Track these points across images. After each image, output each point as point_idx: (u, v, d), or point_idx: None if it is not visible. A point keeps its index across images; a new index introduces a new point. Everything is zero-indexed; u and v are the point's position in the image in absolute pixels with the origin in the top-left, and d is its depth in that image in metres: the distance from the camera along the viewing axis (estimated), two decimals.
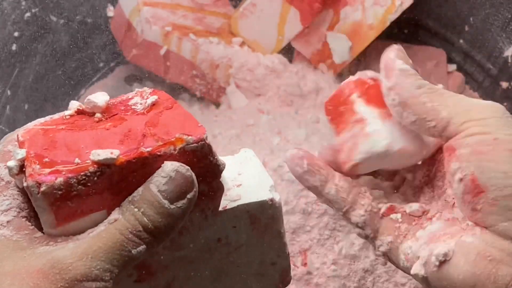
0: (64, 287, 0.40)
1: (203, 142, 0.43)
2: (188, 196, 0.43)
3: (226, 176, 0.51)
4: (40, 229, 0.44)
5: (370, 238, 0.55)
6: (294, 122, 1.07)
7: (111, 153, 0.41)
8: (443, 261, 0.48)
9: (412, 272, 0.50)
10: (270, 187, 0.51)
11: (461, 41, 1.17)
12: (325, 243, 0.86)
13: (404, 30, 1.22)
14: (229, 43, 1.16)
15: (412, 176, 0.56)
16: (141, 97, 0.47)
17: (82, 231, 0.43)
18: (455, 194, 0.50)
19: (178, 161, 0.43)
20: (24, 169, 0.42)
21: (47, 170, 0.41)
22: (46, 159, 0.42)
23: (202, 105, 1.17)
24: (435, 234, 0.51)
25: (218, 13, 1.21)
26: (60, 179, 0.41)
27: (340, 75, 1.18)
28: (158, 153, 0.42)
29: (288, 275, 0.55)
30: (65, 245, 0.41)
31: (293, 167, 0.56)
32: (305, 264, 0.85)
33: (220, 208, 0.48)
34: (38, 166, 0.41)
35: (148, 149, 0.42)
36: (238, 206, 0.49)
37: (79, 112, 0.46)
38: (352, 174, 0.55)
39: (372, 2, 1.09)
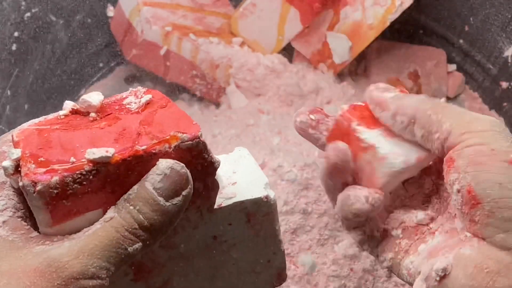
0: (60, 285, 0.40)
1: (198, 139, 0.44)
2: (183, 193, 0.43)
3: (221, 174, 0.51)
4: (36, 229, 0.44)
5: (370, 253, 0.55)
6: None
7: (106, 151, 0.41)
8: (443, 276, 0.48)
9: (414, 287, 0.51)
10: (265, 184, 0.51)
11: (461, 41, 1.17)
12: (325, 243, 0.87)
13: (404, 30, 1.22)
14: (229, 43, 1.16)
15: (412, 187, 0.57)
16: (135, 97, 0.47)
17: (78, 230, 0.43)
18: (454, 205, 0.50)
19: (173, 159, 0.43)
20: (19, 169, 0.42)
21: (43, 169, 0.41)
22: (42, 159, 0.42)
23: (202, 105, 1.17)
24: (435, 248, 0.51)
25: (218, 13, 1.21)
26: (55, 178, 0.41)
27: (340, 75, 1.18)
28: (153, 151, 0.43)
29: (284, 272, 0.55)
30: (61, 244, 0.41)
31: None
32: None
33: (216, 206, 0.48)
34: (33, 166, 0.41)
35: (143, 147, 0.42)
36: (233, 203, 0.49)
37: (74, 112, 0.46)
38: None
39: (372, 2, 1.10)
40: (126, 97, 0.48)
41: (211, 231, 0.49)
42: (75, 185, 0.41)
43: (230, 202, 0.49)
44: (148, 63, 1.15)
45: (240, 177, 0.51)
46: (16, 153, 0.42)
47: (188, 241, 0.49)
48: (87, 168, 0.41)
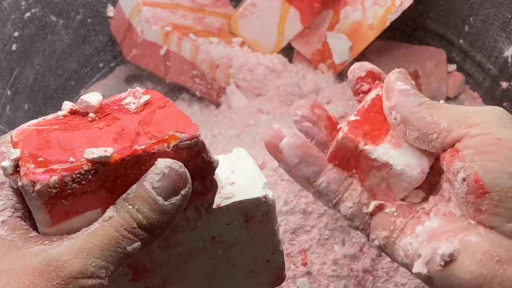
0: (60, 285, 0.40)
1: (197, 139, 0.44)
2: (182, 192, 0.43)
3: (220, 175, 0.51)
4: (35, 229, 0.44)
5: (361, 230, 0.55)
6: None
7: (105, 151, 0.41)
8: (448, 261, 0.48)
9: (414, 270, 0.50)
10: (263, 184, 0.51)
11: (461, 41, 1.17)
12: (325, 243, 0.86)
13: (404, 30, 1.22)
14: (229, 43, 1.16)
15: None
16: (134, 97, 0.48)
17: (77, 230, 0.43)
18: (457, 194, 0.49)
19: (171, 158, 0.43)
20: (18, 169, 0.42)
21: (42, 169, 0.41)
22: (41, 159, 0.42)
23: (202, 105, 1.17)
24: (435, 232, 0.51)
25: (218, 13, 1.21)
26: (54, 178, 0.41)
27: (340, 75, 1.18)
28: (152, 151, 0.43)
29: (283, 272, 0.55)
30: (60, 243, 0.41)
31: (289, 156, 0.56)
32: (305, 264, 0.85)
33: (214, 206, 0.48)
34: (32, 165, 0.41)
35: (142, 147, 0.42)
36: (232, 203, 0.49)
37: (73, 112, 0.46)
38: None
39: (372, 2, 1.10)
40: (125, 98, 0.48)
41: (209, 231, 0.49)
42: (74, 184, 0.41)
43: (228, 202, 0.49)
44: (148, 63, 1.15)
45: (238, 177, 0.51)
46: (15, 153, 0.42)
47: (186, 241, 0.49)
48: (86, 167, 0.41)
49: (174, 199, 0.43)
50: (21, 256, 0.41)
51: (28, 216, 0.44)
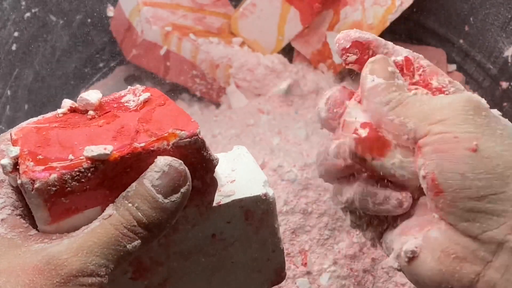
0: (59, 283, 0.40)
1: (196, 136, 0.44)
2: (182, 190, 0.43)
3: (220, 173, 0.51)
4: (35, 227, 0.44)
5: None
6: (294, 122, 1.07)
7: (105, 148, 0.41)
8: (411, 257, 0.48)
9: (387, 264, 0.51)
10: (263, 182, 0.51)
11: (461, 41, 1.17)
12: (325, 243, 0.86)
13: (404, 30, 1.22)
14: (229, 43, 1.16)
15: None
16: (134, 95, 0.48)
17: (76, 228, 0.43)
18: (424, 188, 0.50)
19: (171, 156, 0.43)
20: (17, 166, 0.42)
21: (41, 167, 0.41)
22: (40, 156, 0.42)
23: (202, 105, 1.17)
24: (408, 225, 0.51)
25: (218, 13, 1.21)
26: (54, 176, 0.41)
27: (340, 75, 1.18)
28: (152, 148, 0.43)
29: (283, 271, 0.55)
30: (60, 241, 0.41)
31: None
32: (305, 264, 0.85)
33: (214, 204, 0.48)
34: (32, 163, 0.41)
35: (142, 145, 0.42)
36: (232, 201, 0.49)
37: (72, 110, 0.46)
38: None
39: (372, 2, 1.10)
40: (125, 95, 0.48)
41: (209, 229, 0.49)
42: (74, 182, 0.41)
43: (228, 200, 0.49)
44: (148, 63, 1.15)
45: (238, 175, 0.51)
46: (15, 151, 0.42)
47: (186, 239, 0.49)
48: (85, 165, 0.41)
49: (174, 197, 0.43)
50: (21, 255, 0.41)
51: (27, 214, 0.44)
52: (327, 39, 1.14)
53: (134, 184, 0.43)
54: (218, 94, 1.15)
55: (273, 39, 1.16)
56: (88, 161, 0.41)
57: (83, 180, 0.42)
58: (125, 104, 0.47)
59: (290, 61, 1.18)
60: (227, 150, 0.55)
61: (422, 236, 0.49)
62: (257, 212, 0.51)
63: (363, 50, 0.54)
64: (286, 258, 0.56)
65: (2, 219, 0.43)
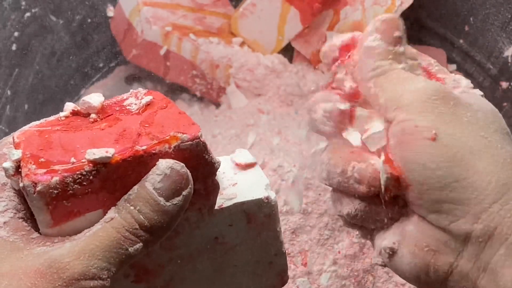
0: (61, 286, 0.40)
1: (198, 140, 0.44)
2: (184, 193, 0.43)
3: (222, 176, 0.51)
4: (37, 230, 0.44)
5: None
6: (294, 122, 1.07)
7: (106, 151, 0.41)
8: (391, 254, 0.49)
9: (373, 261, 0.51)
10: (265, 185, 0.51)
11: (461, 41, 1.17)
12: (325, 243, 0.86)
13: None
14: (229, 43, 1.16)
15: None
16: (136, 98, 0.48)
17: (78, 231, 0.43)
18: None
19: (173, 159, 0.43)
20: (20, 169, 0.43)
21: (43, 170, 0.41)
22: (42, 159, 0.42)
23: (202, 105, 1.17)
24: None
25: (218, 13, 1.21)
26: (56, 179, 0.41)
27: None
28: (153, 151, 0.43)
29: (286, 274, 0.55)
30: (62, 245, 0.41)
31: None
32: (305, 264, 0.85)
33: (216, 207, 0.48)
34: (34, 166, 0.41)
35: (143, 148, 0.42)
36: (234, 204, 0.49)
37: (74, 113, 0.46)
38: None
39: (372, 2, 1.09)
40: (127, 98, 0.48)
41: (212, 232, 0.49)
42: (75, 185, 0.41)
43: (230, 203, 0.49)
44: (148, 63, 1.15)
45: (241, 178, 0.51)
46: (17, 154, 0.43)
47: (189, 242, 0.49)
48: (87, 168, 0.41)
49: (176, 200, 0.43)
50: (23, 258, 0.41)
51: (30, 217, 0.44)
52: (327, 39, 1.14)
53: (136, 187, 0.43)
54: (218, 94, 1.15)
55: (273, 39, 1.16)
56: (90, 164, 0.41)
57: (85, 183, 0.42)
58: (127, 107, 0.47)
59: (290, 61, 1.18)
60: (227, 150, 0.55)
61: (400, 230, 0.49)
62: (259, 216, 0.51)
63: (352, 48, 0.54)
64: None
65: (4, 222, 0.43)
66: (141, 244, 0.42)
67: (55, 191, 0.41)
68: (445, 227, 0.46)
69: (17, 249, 0.42)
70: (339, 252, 0.86)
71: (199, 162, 0.44)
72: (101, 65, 1.20)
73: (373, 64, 0.50)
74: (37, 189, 0.41)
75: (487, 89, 1.15)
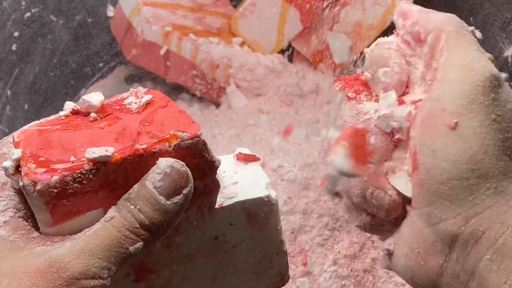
0: (62, 286, 0.40)
1: (198, 138, 0.44)
2: (184, 191, 0.43)
3: (222, 175, 0.51)
4: (37, 229, 0.44)
5: None
6: (294, 122, 1.07)
7: (106, 150, 0.41)
8: (389, 256, 0.49)
9: (381, 265, 0.51)
10: (266, 184, 0.51)
11: None
12: (325, 243, 0.87)
13: None
14: (229, 43, 1.16)
15: None
16: (136, 97, 0.48)
17: (79, 230, 0.43)
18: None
19: (173, 157, 0.43)
20: (20, 169, 0.43)
21: (43, 169, 0.41)
22: (42, 158, 0.42)
23: (202, 105, 1.17)
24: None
25: (218, 13, 1.21)
26: (55, 177, 0.41)
27: (341, 75, 1.18)
28: (153, 150, 0.43)
29: (287, 273, 0.55)
30: (62, 244, 0.41)
31: None
32: (305, 264, 0.85)
33: (217, 206, 0.48)
34: (33, 165, 0.41)
35: (143, 146, 0.42)
36: (234, 203, 0.49)
37: (74, 112, 0.46)
38: None
39: (372, 2, 1.09)
40: (127, 97, 0.48)
41: (212, 231, 0.49)
42: (75, 184, 0.41)
43: (231, 202, 0.49)
44: (148, 63, 1.15)
45: (241, 177, 0.51)
46: (17, 153, 0.42)
47: (189, 241, 0.49)
48: (87, 167, 0.41)
49: (176, 199, 0.43)
50: (23, 257, 0.41)
51: (30, 217, 0.44)
52: (327, 39, 1.14)
53: (136, 186, 0.43)
54: (218, 94, 1.15)
55: (273, 39, 1.16)
56: (90, 163, 0.41)
57: (84, 182, 0.42)
58: (127, 106, 0.47)
59: (290, 61, 1.18)
60: (227, 150, 0.55)
61: (396, 233, 0.49)
62: (260, 214, 0.50)
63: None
64: None
65: (4, 222, 0.43)
66: (141, 243, 0.42)
67: (55, 190, 0.41)
68: (433, 225, 0.45)
69: (17, 248, 0.42)
70: (339, 252, 0.86)
71: (199, 161, 0.44)
72: (101, 65, 1.20)
73: (438, 15, 0.48)
74: (37, 188, 0.41)
75: None
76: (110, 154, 0.41)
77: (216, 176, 0.46)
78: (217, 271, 0.51)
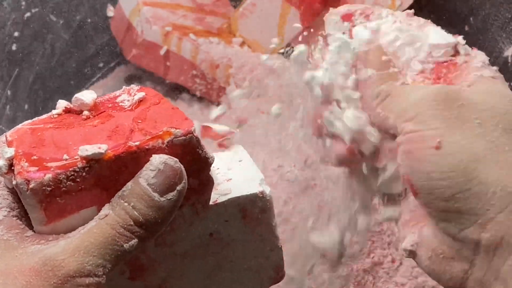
0: (57, 284, 0.40)
1: (191, 134, 0.44)
2: (178, 188, 0.43)
3: (216, 171, 0.51)
4: (31, 228, 0.44)
5: None
6: (294, 122, 1.06)
7: (99, 148, 0.41)
8: (411, 254, 0.49)
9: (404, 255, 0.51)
10: (260, 180, 0.51)
11: None
12: None
13: None
14: (229, 43, 1.16)
15: None
16: (129, 94, 0.48)
17: (73, 229, 0.43)
18: None
19: (166, 154, 0.43)
20: (12, 167, 0.43)
21: (36, 167, 0.41)
22: (35, 157, 0.42)
23: (202, 105, 1.17)
24: (407, 216, 0.51)
25: (218, 13, 1.21)
26: (48, 176, 0.41)
27: None
28: (146, 147, 0.43)
29: (282, 269, 0.54)
30: (56, 242, 0.41)
31: None
32: None
33: (211, 202, 0.48)
34: (26, 164, 0.41)
35: (136, 143, 0.42)
36: (228, 199, 0.49)
37: (67, 110, 0.46)
38: None
39: (372, 2, 1.09)
40: (119, 95, 0.48)
41: (207, 228, 0.49)
42: (69, 182, 0.41)
43: (225, 198, 0.49)
44: (148, 63, 1.15)
45: (235, 173, 0.51)
46: (10, 152, 0.43)
47: (184, 239, 0.49)
48: (80, 165, 0.41)
49: (170, 195, 0.43)
50: (18, 256, 0.41)
51: (24, 216, 0.44)
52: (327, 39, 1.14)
53: (129, 183, 0.43)
54: (218, 94, 1.15)
55: (273, 39, 1.16)
56: (83, 161, 0.41)
57: (78, 179, 0.42)
58: (120, 103, 0.47)
59: None
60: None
61: (418, 233, 0.49)
62: (254, 211, 0.50)
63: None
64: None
65: None
66: (136, 240, 0.42)
67: (48, 188, 0.41)
68: (454, 235, 0.46)
69: (11, 247, 0.42)
70: None
71: (193, 157, 0.44)
72: (101, 65, 1.20)
73: (373, 92, 0.50)
74: (30, 186, 0.41)
75: None
76: (103, 151, 0.41)
77: (210, 173, 0.46)
78: (213, 268, 0.51)
